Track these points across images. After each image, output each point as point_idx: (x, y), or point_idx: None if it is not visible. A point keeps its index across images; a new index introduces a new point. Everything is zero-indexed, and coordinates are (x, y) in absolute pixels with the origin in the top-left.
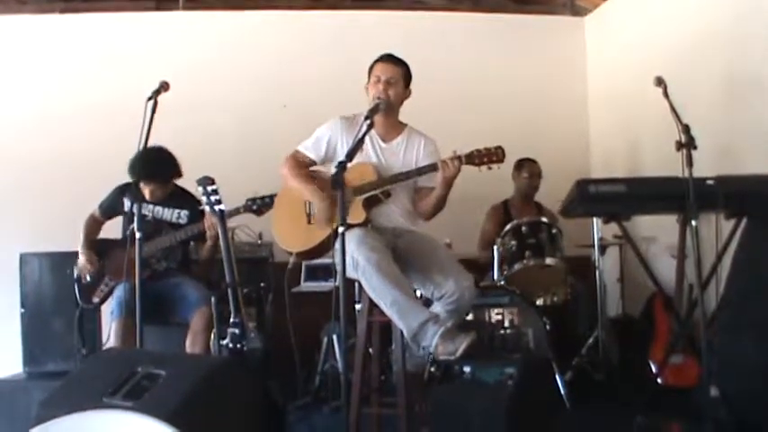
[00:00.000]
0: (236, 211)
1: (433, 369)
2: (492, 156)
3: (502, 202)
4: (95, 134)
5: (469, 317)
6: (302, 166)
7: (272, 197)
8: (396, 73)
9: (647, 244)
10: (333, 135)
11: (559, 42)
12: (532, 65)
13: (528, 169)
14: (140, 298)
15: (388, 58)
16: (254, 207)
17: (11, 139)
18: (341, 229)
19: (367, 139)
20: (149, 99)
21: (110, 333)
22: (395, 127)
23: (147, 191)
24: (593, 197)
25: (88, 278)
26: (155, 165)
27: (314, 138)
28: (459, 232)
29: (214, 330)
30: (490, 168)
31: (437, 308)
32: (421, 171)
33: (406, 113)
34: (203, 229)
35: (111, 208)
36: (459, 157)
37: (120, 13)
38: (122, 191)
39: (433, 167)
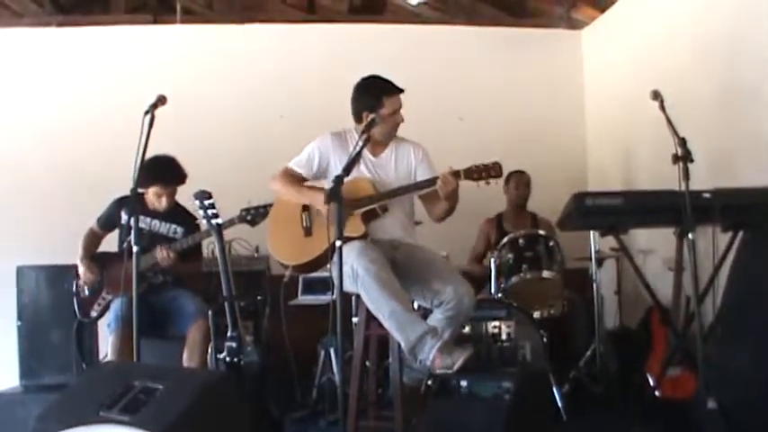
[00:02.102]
0: (231, 222)
1: (429, 383)
2: (490, 171)
3: (496, 216)
4: (93, 147)
5: (466, 330)
6: (296, 179)
7: (266, 207)
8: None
9: (644, 257)
10: (324, 152)
11: (556, 55)
12: (529, 78)
13: (516, 180)
14: (137, 311)
15: (398, 90)
16: (249, 217)
17: (8, 151)
18: (338, 243)
19: None
20: (146, 113)
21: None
22: (381, 141)
23: (163, 198)
24: (590, 210)
25: (86, 291)
26: (175, 169)
27: (305, 155)
28: (455, 245)
29: (211, 344)
30: (488, 183)
31: (437, 316)
32: (419, 186)
33: (403, 125)
34: (198, 240)
35: (109, 221)
36: (457, 172)
37: (118, 27)
38: (120, 204)
39: (430, 182)
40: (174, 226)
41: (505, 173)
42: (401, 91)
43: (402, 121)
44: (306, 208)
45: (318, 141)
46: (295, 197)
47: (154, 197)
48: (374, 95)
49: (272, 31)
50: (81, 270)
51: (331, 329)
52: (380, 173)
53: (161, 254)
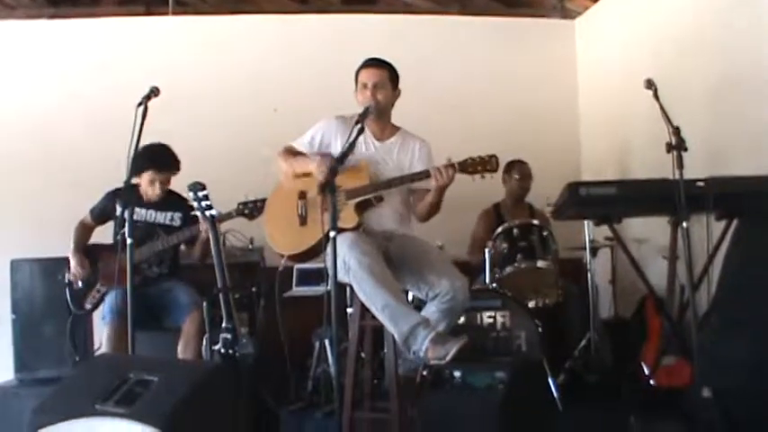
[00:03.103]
0: (229, 216)
1: (424, 373)
2: (486, 164)
3: (493, 205)
4: (86, 139)
5: (461, 320)
6: (296, 154)
7: (264, 201)
8: (381, 76)
9: (639, 246)
10: (326, 133)
11: (549, 45)
12: (523, 68)
13: (518, 171)
14: (132, 303)
15: (372, 63)
16: (246, 211)
17: (0, 144)
18: (332, 234)
19: (361, 139)
20: (139, 105)
21: (102, 339)
22: (388, 128)
23: (156, 185)
24: (584, 199)
25: (80, 283)
26: (169, 155)
27: (308, 135)
28: (451, 235)
29: (206, 336)
30: (483, 177)
31: (431, 309)
32: (414, 177)
33: (396, 115)
34: (196, 233)
35: (103, 213)
36: (452, 165)
37: (110, 18)
38: (114, 195)
39: (426, 174)
40: (170, 213)
41: (501, 163)
42: (372, 64)
43: (377, 97)
44: (302, 195)
45: (322, 123)
46: (298, 168)
47: (147, 184)
48: (355, 76)
49: (264, 22)
50: (72, 263)
51: (326, 320)
52: (383, 155)
53: (204, 225)
